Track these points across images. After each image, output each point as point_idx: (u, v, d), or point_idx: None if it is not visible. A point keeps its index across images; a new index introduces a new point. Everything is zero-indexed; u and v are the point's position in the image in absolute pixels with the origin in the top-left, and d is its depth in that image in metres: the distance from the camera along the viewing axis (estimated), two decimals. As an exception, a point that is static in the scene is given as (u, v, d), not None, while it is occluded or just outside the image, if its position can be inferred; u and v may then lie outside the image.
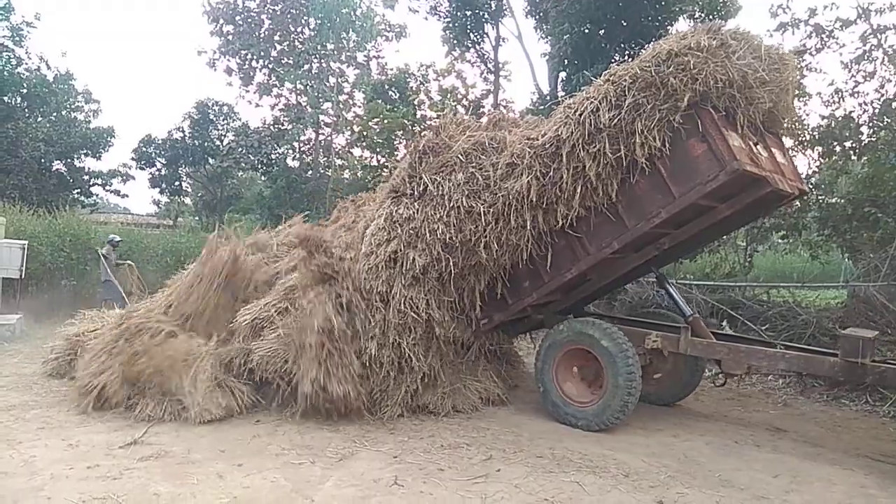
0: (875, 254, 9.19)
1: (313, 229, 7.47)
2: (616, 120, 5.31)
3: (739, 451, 5.45)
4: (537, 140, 5.83)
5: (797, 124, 7.08)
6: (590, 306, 7.73)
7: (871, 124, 9.43)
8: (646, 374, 6.37)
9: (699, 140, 5.12)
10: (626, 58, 12.35)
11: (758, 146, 5.46)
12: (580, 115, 5.51)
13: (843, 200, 9.50)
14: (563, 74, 13.59)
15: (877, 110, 9.35)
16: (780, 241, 12.15)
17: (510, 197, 5.83)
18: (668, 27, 11.53)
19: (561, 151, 5.57)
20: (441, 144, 6.44)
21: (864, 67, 9.38)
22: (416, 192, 6.31)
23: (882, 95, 9.31)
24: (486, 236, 5.95)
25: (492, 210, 5.93)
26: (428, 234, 6.09)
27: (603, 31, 12.21)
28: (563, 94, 13.30)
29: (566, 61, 12.86)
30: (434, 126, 6.88)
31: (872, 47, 9.22)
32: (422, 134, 6.76)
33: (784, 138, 6.36)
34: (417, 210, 6.20)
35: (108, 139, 21.63)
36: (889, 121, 9.40)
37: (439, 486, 4.47)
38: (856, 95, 9.55)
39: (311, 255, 6.51)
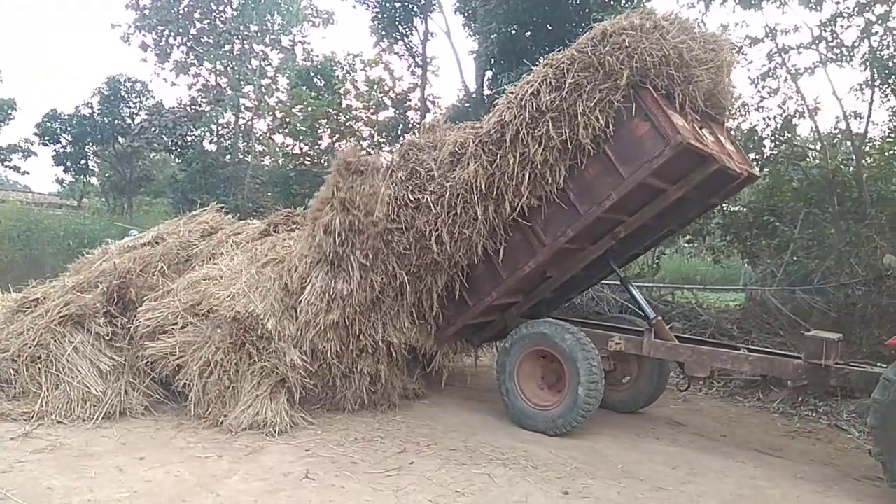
0: (772, 260, 9.82)
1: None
2: (557, 102, 5.32)
3: (641, 444, 5.69)
4: (481, 128, 5.80)
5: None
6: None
7: (773, 138, 10.05)
8: (615, 378, 6.44)
9: (642, 119, 5.17)
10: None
11: (703, 129, 5.54)
12: (521, 98, 5.50)
13: (744, 209, 10.07)
14: (489, 73, 13.74)
15: (778, 125, 9.97)
16: (685, 244, 12.79)
17: (458, 187, 5.73)
18: (591, 34, 11.86)
19: (505, 137, 5.52)
20: (358, 223, 5.85)
21: (768, 84, 9.97)
22: (350, 270, 5.85)
23: (784, 111, 9.94)
24: (437, 229, 5.83)
25: (440, 201, 5.82)
26: (384, 246, 5.94)
27: (529, 33, 12.42)
28: (489, 92, 13.51)
29: (493, 60, 13.00)
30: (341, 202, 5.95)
31: (777, 65, 9.81)
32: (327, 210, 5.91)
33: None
34: (359, 283, 5.82)
35: (9, 111, 20.25)
36: (789, 136, 10.05)
37: (351, 479, 4.44)
38: (760, 110, 10.14)
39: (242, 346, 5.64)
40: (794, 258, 9.48)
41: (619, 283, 8.58)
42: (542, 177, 5.50)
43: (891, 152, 9.81)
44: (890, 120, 9.38)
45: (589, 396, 5.53)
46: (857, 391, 5.99)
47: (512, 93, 5.70)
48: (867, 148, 9.59)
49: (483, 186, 5.63)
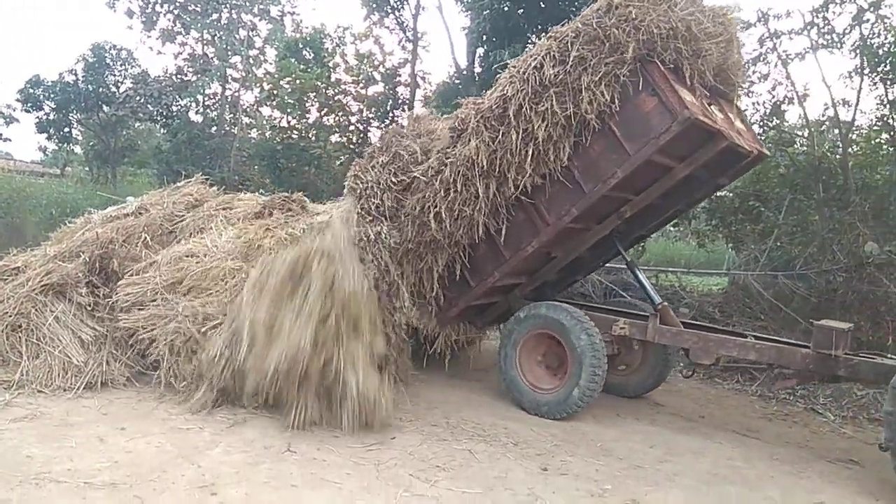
0: (756, 245, 9.89)
1: None
2: (562, 76, 5.19)
3: (621, 423, 5.76)
4: (483, 103, 5.66)
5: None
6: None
7: (761, 123, 10.06)
8: (613, 364, 6.23)
9: (649, 94, 5.02)
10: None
11: (711, 105, 5.42)
12: (524, 72, 5.37)
13: (730, 194, 10.12)
14: (480, 50, 13.61)
15: (767, 111, 9.98)
16: (671, 228, 12.86)
17: (458, 164, 5.59)
18: (584, 13, 11.79)
19: (508, 112, 5.38)
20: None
21: (759, 69, 9.95)
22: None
23: (773, 97, 9.95)
24: (435, 206, 5.68)
25: (439, 178, 5.68)
26: (373, 236, 5.80)
27: (522, 10, 12.31)
28: (479, 69, 13.40)
29: (484, 37, 12.88)
30: None
31: (768, 50, 9.79)
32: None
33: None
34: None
35: (-11, 76, 19.85)
36: (778, 121, 10.08)
37: (333, 452, 4.47)
38: (750, 95, 10.13)
39: None
40: (778, 244, 9.56)
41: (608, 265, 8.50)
42: (546, 154, 5.34)
43: (877, 141, 9.87)
44: (877, 108, 9.41)
45: (581, 399, 5.51)
46: (866, 382, 5.86)
47: (515, 66, 5.55)
48: (854, 136, 9.64)
49: (485, 163, 5.48)
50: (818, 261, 8.72)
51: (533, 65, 5.35)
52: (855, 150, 9.51)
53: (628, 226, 6.19)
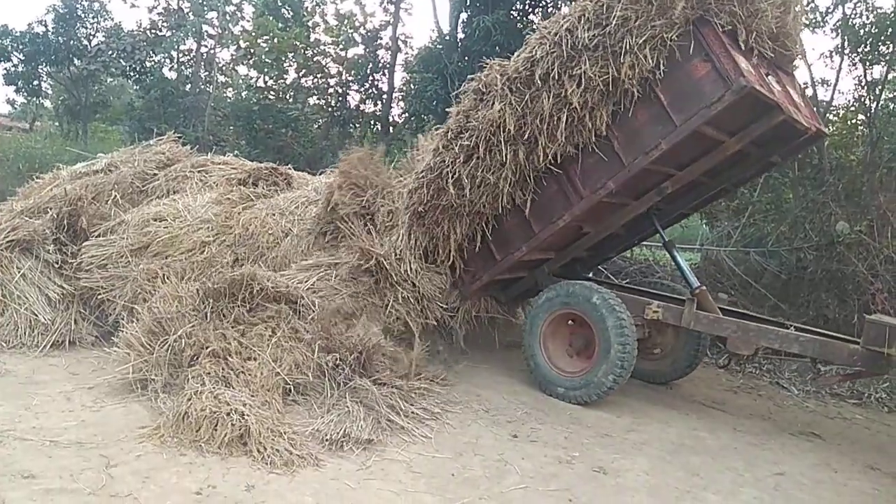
0: (729, 221, 9.99)
1: None
2: (599, 38, 4.81)
3: (591, 394, 5.83)
4: (510, 66, 5.30)
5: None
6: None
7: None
8: (643, 348, 5.85)
9: (702, 59, 4.63)
10: (527, 7, 12.42)
11: (769, 77, 5.03)
12: (556, 34, 5.02)
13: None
14: (464, 15, 13.40)
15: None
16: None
17: (481, 129, 5.27)
18: (570, -19, 11.63)
19: (537, 75, 5.04)
20: None
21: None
22: None
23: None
24: (454, 173, 5.40)
25: (458, 143, 5.40)
26: None
27: (506, -24, 12.11)
28: (462, 35, 13.21)
29: (468, 2, 12.68)
30: None
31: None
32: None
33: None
34: None
35: (-47, 24, 19.05)
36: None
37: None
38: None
39: None
40: (752, 220, 9.66)
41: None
42: (582, 121, 4.99)
43: (853, 122, 9.97)
44: (855, 89, 9.50)
45: (576, 397, 5.38)
46: None
47: (545, 28, 5.20)
48: (831, 116, 9.71)
49: (512, 129, 5.15)
50: (790, 238, 8.84)
51: (566, 26, 4.99)
52: (831, 130, 9.59)
53: (669, 203, 5.92)
